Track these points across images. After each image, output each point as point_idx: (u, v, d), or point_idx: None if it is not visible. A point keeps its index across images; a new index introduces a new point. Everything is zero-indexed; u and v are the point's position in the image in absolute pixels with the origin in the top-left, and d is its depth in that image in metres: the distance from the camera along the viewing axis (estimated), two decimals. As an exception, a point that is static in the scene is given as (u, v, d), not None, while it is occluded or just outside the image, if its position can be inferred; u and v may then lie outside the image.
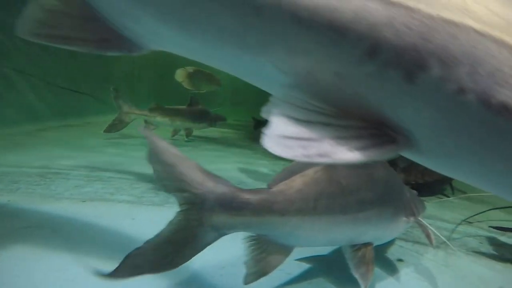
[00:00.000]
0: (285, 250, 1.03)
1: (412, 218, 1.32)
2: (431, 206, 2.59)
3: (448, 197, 3.07)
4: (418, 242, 1.68)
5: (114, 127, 3.46)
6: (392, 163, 2.71)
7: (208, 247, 0.90)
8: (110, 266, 0.81)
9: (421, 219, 1.39)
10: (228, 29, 0.52)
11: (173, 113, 3.61)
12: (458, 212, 2.51)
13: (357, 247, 1.14)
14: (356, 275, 1.10)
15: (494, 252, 1.81)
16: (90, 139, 3.56)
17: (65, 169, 2.35)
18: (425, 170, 2.78)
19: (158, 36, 0.63)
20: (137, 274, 0.81)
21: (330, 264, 1.34)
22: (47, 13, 0.66)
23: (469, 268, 1.53)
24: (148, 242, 0.84)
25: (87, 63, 5.14)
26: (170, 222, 0.87)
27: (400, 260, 1.44)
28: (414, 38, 0.44)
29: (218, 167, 2.79)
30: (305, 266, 1.31)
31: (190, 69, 4.97)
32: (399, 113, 0.49)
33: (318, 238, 1.06)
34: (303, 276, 1.24)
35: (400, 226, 1.30)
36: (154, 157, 0.89)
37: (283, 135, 0.46)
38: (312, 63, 0.49)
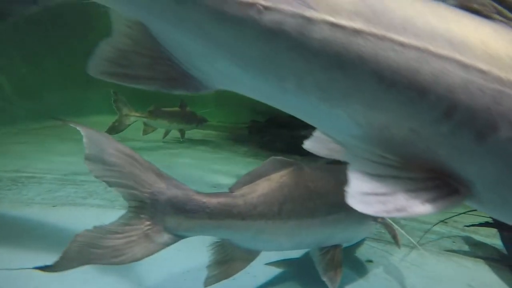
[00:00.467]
0: (250, 254, 1.02)
1: (379, 219, 1.34)
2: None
3: None
4: (390, 243, 1.70)
5: (114, 129, 3.50)
6: None
7: (176, 251, 0.90)
8: (74, 272, 0.80)
9: (388, 220, 1.41)
10: (311, 81, 0.53)
11: (170, 115, 3.77)
12: (440, 213, 2.55)
13: (325, 250, 1.15)
14: (324, 279, 1.10)
15: (467, 251, 1.85)
16: (69, 141, 3.50)
17: (39, 173, 2.31)
18: None
19: (231, 79, 0.63)
20: (81, 264, 0.79)
21: (299, 267, 1.34)
22: (118, 52, 0.66)
23: (439, 267, 1.56)
24: (93, 230, 0.82)
25: (69, 65, 5.06)
26: (121, 217, 0.86)
27: (369, 261, 1.46)
28: (487, 101, 0.47)
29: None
30: (273, 269, 1.31)
31: None
32: (466, 168, 0.52)
33: (284, 242, 1.05)
34: (269, 280, 1.24)
35: (368, 227, 1.31)
36: (97, 153, 0.85)
37: (362, 192, 0.50)
38: (389, 119, 0.52)
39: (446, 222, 2.33)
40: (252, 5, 0.51)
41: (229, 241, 0.99)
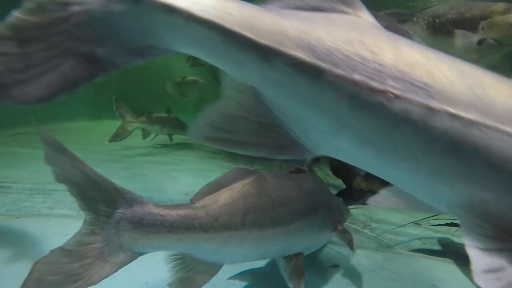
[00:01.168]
0: (213, 268, 1.00)
1: (339, 226, 1.36)
2: (382, 210, 2.66)
3: None
4: (359, 247, 1.72)
5: (118, 136, 3.61)
6: (353, 171, 2.77)
7: (136, 261, 0.86)
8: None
9: (344, 227, 1.42)
10: (425, 162, 0.56)
11: (163, 121, 4.08)
12: (409, 215, 2.59)
13: (289, 258, 1.15)
14: (290, 286, 1.10)
15: (436, 251, 1.88)
16: (42, 149, 3.43)
17: (8, 182, 2.25)
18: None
19: (342, 151, 0.64)
20: None
21: (264, 277, 1.33)
22: (224, 117, 0.64)
23: (406, 269, 1.58)
24: (50, 255, 0.79)
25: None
26: (76, 235, 0.82)
27: (335, 265, 1.47)
28: None
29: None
30: (237, 282, 1.30)
31: (178, 78, 5.08)
32: None
33: (248, 253, 1.04)
34: None
35: (329, 234, 1.32)
36: (57, 160, 0.83)
37: (481, 269, 0.52)
38: (491, 196, 0.55)
39: (419, 224, 2.37)
40: (383, 92, 0.54)
41: (191, 255, 0.96)
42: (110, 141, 3.56)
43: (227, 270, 1.29)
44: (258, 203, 1.02)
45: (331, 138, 0.61)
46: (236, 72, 0.60)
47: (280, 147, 0.64)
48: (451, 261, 1.78)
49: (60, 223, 1.62)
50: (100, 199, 0.83)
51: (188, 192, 2.26)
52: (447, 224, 2.04)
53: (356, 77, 0.54)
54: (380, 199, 0.87)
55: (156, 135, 4.17)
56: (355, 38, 0.56)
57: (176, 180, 2.74)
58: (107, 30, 0.55)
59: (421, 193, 0.65)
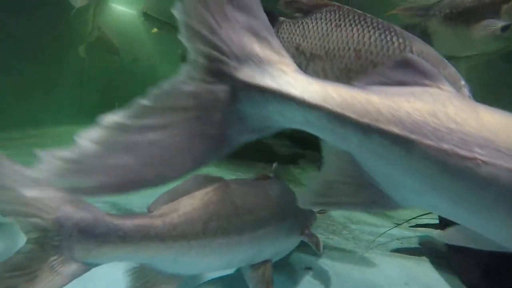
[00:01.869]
0: (173, 279, 0.97)
1: (306, 230, 1.37)
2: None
3: None
4: (334, 248, 1.74)
5: None
6: None
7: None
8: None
9: (311, 231, 1.43)
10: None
11: None
12: (388, 216, 2.63)
13: (256, 266, 1.13)
14: None
15: (412, 251, 1.91)
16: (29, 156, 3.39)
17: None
18: None
19: (432, 206, 0.69)
20: None
21: (232, 285, 1.33)
22: (326, 184, 0.73)
23: (380, 269, 1.61)
24: None
25: (29, 71, 4.87)
26: (18, 252, 0.77)
27: (308, 268, 1.49)
28: None
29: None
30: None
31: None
32: None
33: (211, 263, 1.01)
34: None
35: (296, 239, 1.33)
36: None
37: None
38: None
39: (400, 224, 2.41)
40: (471, 159, 0.59)
41: (149, 265, 0.93)
42: None
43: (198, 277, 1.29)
44: (222, 210, 0.99)
45: (423, 196, 0.67)
46: (337, 142, 0.67)
47: (373, 203, 0.72)
48: (427, 259, 1.82)
49: (10, 232, 1.59)
50: (49, 211, 0.79)
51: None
52: (425, 225, 2.08)
53: (445, 146, 0.60)
54: (449, 236, 0.94)
55: None
56: (439, 110, 0.63)
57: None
58: (233, 116, 0.61)
59: (502, 237, 0.70)
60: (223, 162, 4.22)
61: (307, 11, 1.27)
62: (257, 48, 0.61)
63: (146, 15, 5.26)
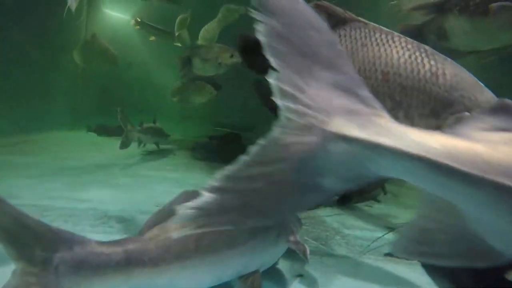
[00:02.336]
0: None
1: (292, 237, 1.37)
2: (355, 216, 2.70)
3: (379, 201, 3.24)
4: (326, 255, 1.74)
5: (125, 144, 4.03)
6: None
7: None
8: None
9: (297, 238, 1.43)
10: None
11: (154, 130, 4.52)
12: (384, 220, 2.64)
13: (245, 277, 1.13)
14: None
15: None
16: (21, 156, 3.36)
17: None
18: None
19: None
20: None
21: None
22: (423, 232, 0.71)
23: (372, 274, 1.61)
24: None
25: (23, 76, 4.84)
26: (6, 285, 0.74)
27: (300, 275, 1.48)
28: None
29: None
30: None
31: (178, 84, 4.90)
32: None
33: (204, 280, 0.99)
34: None
35: (283, 247, 1.33)
36: None
37: None
38: None
39: (393, 229, 2.42)
40: None
41: None
42: (121, 148, 3.98)
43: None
44: None
45: None
46: (439, 192, 0.65)
47: (475, 256, 0.69)
48: (419, 263, 1.82)
49: None
50: (34, 244, 0.76)
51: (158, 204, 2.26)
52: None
53: None
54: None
55: (144, 144, 4.47)
56: None
57: (152, 189, 2.74)
58: (326, 166, 0.64)
59: None
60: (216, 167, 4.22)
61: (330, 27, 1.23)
62: (346, 101, 0.64)
63: (141, 23, 5.29)
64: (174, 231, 0.89)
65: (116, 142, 4.11)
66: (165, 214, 0.95)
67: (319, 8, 1.21)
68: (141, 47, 6.51)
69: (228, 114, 6.77)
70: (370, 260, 1.79)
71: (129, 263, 0.83)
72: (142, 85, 6.74)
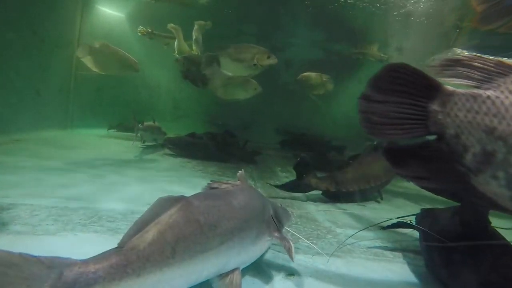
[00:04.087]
0: None
1: (276, 234, 1.37)
2: (347, 215, 2.72)
3: (379, 202, 3.27)
4: (317, 254, 1.74)
5: (139, 139, 4.93)
6: (312, 172, 2.94)
7: None
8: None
9: (283, 235, 1.43)
10: None
11: (153, 128, 5.05)
12: (376, 219, 2.64)
13: (224, 275, 1.15)
14: None
15: (396, 254, 1.93)
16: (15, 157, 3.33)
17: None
18: (342, 181, 3.09)
19: None
20: None
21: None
22: None
23: (363, 274, 1.61)
24: None
25: (15, 75, 4.77)
26: None
27: (291, 274, 1.48)
28: None
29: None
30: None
31: (224, 77, 4.60)
32: None
33: (181, 284, 1.01)
34: None
35: (265, 244, 1.33)
36: None
37: None
38: None
39: (383, 228, 2.43)
40: None
41: None
42: (133, 144, 4.81)
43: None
44: (186, 231, 1.00)
45: None
46: None
47: None
48: (411, 261, 1.83)
49: (12, 241, 1.56)
50: (24, 280, 0.76)
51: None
52: (397, 226, 2.12)
53: None
54: None
55: (144, 141, 5.00)
56: None
57: (150, 187, 2.72)
58: None
59: None
60: (210, 166, 4.21)
61: (481, 79, 0.99)
62: None
63: (149, 34, 5.34)
64: (151, 238, 0.93)
65: (105, 141, 4.09)
66: (142, 223, 0.97)
67: (459, 64, 1.03)
68: (136, 45, 6.47)
69: (222, 114, 6.78)
70: (361, 259, 1.80)
71: (115, 277, 0.85)
72: (135, 82, 6.70)
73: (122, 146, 4.60)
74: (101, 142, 5.37)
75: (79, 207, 2.08)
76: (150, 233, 0.94)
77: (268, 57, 3.86)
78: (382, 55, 6.84)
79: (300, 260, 1.65)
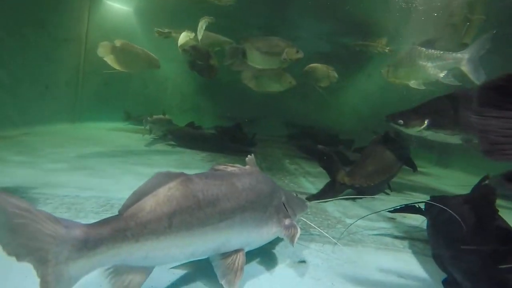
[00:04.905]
0: (144, 270, 1.01)
1: (286, 221, 1.37)
2: (357, 206, 2.70)
3: (388, 194, 3.25)
4: (328, 242, 1.74)
5: (150, 131, 5.26)
6: (337, 166, 2.85)
7: None
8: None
9: (293, 222, 1.42)
10: None
11: (162, 121, 5.31)
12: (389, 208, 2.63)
13: (226, 255, 1.16)
14: (222, 282, 1.12)
15: (406, 243, 1.92)
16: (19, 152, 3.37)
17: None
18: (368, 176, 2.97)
19: None
20: None
21: (207, 266, 1.31)
22: None
23: (374, 263, 1.61)
24: None
25: (23, 68, 4.81)
26: None
27: (302, 261, 1.48)
28: None
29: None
30: (178, 272, 1.29)
31: (255, 71, 4.54)
32: None
33: (177, 254, 1.05)
34: (173, 283, 1.22)
35: (272, 229, 1.33)
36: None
37: None
38: None
39: (394, 218, 2.42)
40: None
41: (122, 264, 0.97)
42: (144, 135, 5.12)
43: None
44: (184, 205, 1.03)
45: None
46: None
47: None
48: (420, 252, 1.82)
49: None
50: (50, 238, 0.82)
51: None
52: (404, 209, 2.12)
53: None
54: None
55: (152, 132, 5.19)
56: None
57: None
58: None
59: None
60: (219, 157, 4.23)
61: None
62: None
63: (169, 33, 5.27)
64: (149, 208, 0.98)
65: (114, 134, 4.10)
66: (140, 194, 1.00)
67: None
68: (143, 39, 6.48)
69: (229, 107, 6.76)
70: (372, 248, 1.80)
71: (116, 240, 0.91)
72: (143, 77, 6.72)
73: (131, 139, 4.62)
74: (110, 135, 5.41)
75: (90, 196, 2.10)
76: (148, 203, 0.98)
77: (297, 52, 3.86)
78: (388, 48, 6.74)
79: (311, 248, 1.65)
